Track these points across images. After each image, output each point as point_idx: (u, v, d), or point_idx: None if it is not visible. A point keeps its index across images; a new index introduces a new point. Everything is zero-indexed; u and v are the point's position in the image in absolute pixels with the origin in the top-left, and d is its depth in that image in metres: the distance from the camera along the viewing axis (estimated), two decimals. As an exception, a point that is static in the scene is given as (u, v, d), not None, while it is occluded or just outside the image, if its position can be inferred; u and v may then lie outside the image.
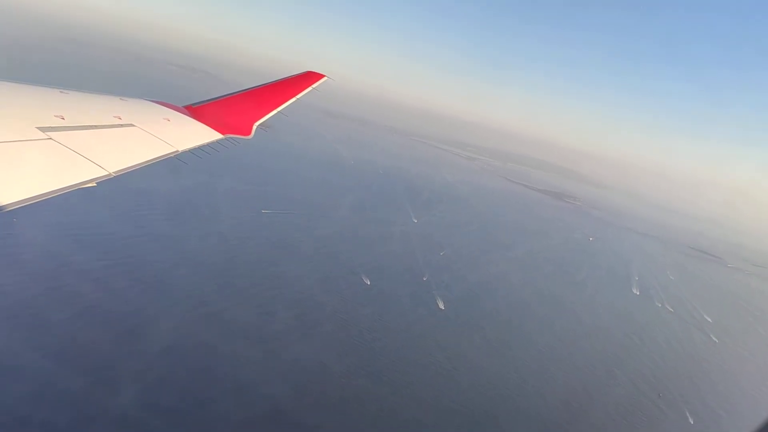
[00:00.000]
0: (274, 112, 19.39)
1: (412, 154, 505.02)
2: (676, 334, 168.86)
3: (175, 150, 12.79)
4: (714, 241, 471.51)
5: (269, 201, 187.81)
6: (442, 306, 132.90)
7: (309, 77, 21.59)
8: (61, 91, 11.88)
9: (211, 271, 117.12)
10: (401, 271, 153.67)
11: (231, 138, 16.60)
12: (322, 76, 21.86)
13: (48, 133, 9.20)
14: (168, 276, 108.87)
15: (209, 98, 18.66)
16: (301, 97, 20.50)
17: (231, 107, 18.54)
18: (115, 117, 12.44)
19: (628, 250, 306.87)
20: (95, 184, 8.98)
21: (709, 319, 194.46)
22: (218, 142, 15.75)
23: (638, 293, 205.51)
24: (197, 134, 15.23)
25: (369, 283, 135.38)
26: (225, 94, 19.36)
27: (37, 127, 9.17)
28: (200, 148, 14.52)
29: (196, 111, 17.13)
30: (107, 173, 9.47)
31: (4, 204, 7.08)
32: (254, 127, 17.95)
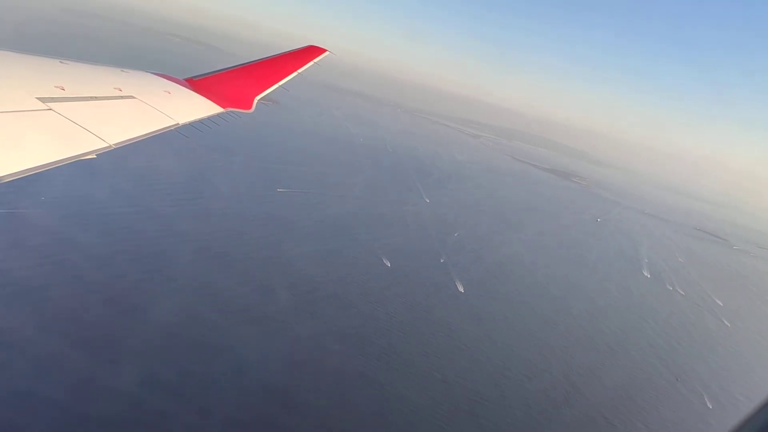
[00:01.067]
0: (276, 86, 19.34)
1: (418, 132, 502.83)
2: (689, 318, 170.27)
3: (175, 123, 12.80)
4: (719, 223, 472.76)
5: (283, 179, 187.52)
6: (461, 289, 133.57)
7: (311, 51, 21.46)
8: (61, 62, 11.78)
9: (234, 253, 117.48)
10: (419, 252, 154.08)
11: (232, 112, 16.61)
12: (324, 50, 21.76)
13: (48, 104, 9.16)
14: (198, 256, 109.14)
15: (210, 71, 18.50)
16: (302, 71, 20.41)
17: (232, 81, 18.48)
18: (115, 89, 12.39)
19: (636, 231, 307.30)
20: (95, 156, 8.97)
21: (720, 303, 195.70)
22: (219, 115, 15.73)
23: (649, 276, 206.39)
24: (198, 107, 15.23)
25: (390, 265, 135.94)
26: (226, 67, 19.22)
27: (37, 98, 9.12)
28: (201, 121, 14.51)
29: (198, 84, 17.04)
30: (107, 145, 9.44)
31: (3, 175, 7.07)
32: (255, 101, 17.97)
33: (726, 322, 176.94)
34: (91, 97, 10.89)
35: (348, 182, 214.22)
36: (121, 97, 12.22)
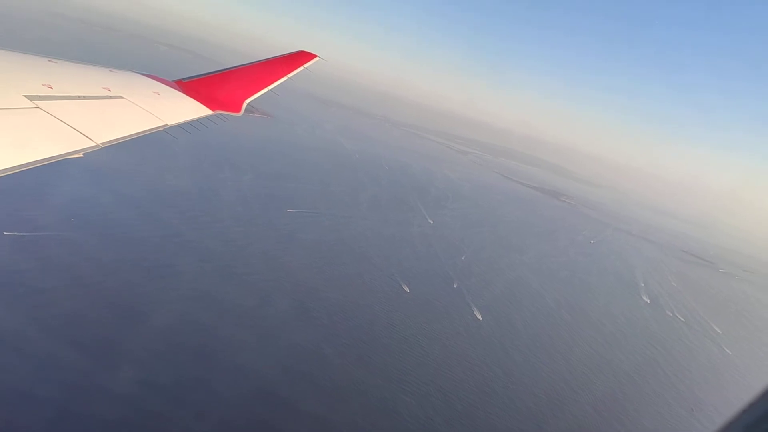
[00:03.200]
0: (265, 90, 19.23)
1: (409, 147, 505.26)
2: (693, 346, 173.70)
3: (164, 124, 12.70)
4: (703, 244, 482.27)
5: (291, 199, 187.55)
6: (479, 316, 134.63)
7: (301, 57, 21.28)
8: (49, 60, 11.76)
9: (260, 279, 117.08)
10: (432, 277, 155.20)
11: (221, 114, 16.55)
12: (314, 56, 21.58)
13: (36, 102, 9.07)
14: (226, 284, 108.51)
15: (200, 74, 18.54)
16: (292, 76, 20.31)
17: (221, 84, 18.41)
18: (104, 88, 12.31)
19: (628, 253, 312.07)
20: (82, 155, 8.91)
21: (719, 330, 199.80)
22: (208, 117, 15.69)
23: (648, 301, 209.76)
24: (187, 109, 15.19)
25: (408, 290, 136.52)
26: (216, 70, 19.21)
27: (25, 96, 9.04)
28: (189, 123, 14.45)
29: (187, 86, 17.07)
30: (95, 144, 9.36)
31: None
32: (244, 105, 17.94)
33: (727, 350, 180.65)
34: (79, 96, 10.83)
35: (353, 201, 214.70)
36: (110, 97, 12.18)
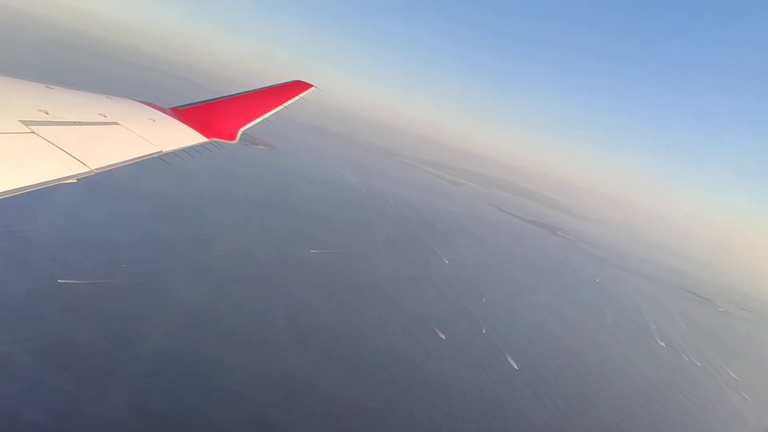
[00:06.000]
0: (260, 118, 19.05)
1: (407, 179, 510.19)
2: (714, 393, 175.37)
3: (159, 150, 12.60)
4: (699, 281, 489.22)
5: (312, 238, 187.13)
6: (515, 366, 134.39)
7: (297, 86, 21.38)
8: (46, 86, 11.71)
9: (299, 323, 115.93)
10: (461, 321, 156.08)
11: (216, 142, 16.39)
12: (310, 85, 21.67)
13: (31, 127, 9.01)
14: (263, 329, 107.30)
15: (196, 102, 18.44)
16: (288, 105, 20.22)
17: (217, 111, 18.28)
18: (100, 114, 12.25)
19: (633, 293, 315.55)
20: (75, 181, 8.85)
21: (735, 376, 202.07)
22: (203, 145, 15.53)
23: (664, 345, 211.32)
24: (182, 136, 15.01)
25: (444, 337, 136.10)
26: (212, 98, 19.09)
27: (20, 121, 9.00)
28: (185, 150, 14.31)
29: (182, 113, 16.92)
30: (89, 170, 9.30)
31: None
32: (239, 133, 17.75)
33: (746, 396, 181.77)
34: (74, 122, 10.77)
35: (370, 241, 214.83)
36: (105, 123, 12.08)
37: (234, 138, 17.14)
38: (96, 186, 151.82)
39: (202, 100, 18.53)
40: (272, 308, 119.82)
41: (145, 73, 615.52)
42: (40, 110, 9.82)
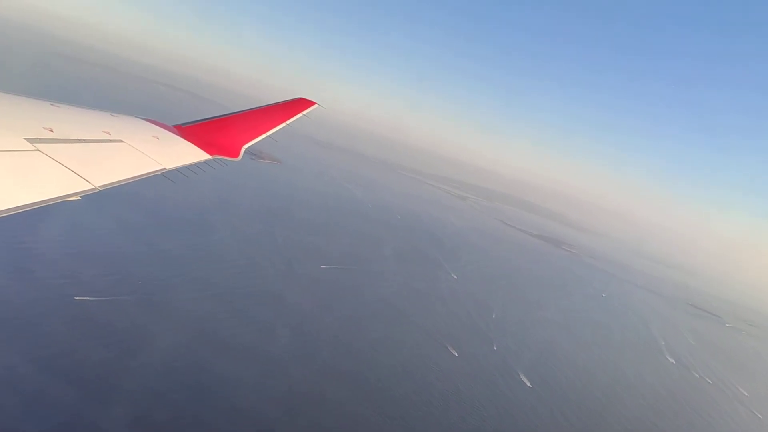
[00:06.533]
0: (263, 136, 19.20)
1: (412, 193, 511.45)
2: (726, 411, 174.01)
3: (162, 168, 12.66)
4: (704, 296, 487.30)
5: (322, 253, 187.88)
6: (528, 383, 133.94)
7: (300, 104, 21.56)
8: (51, 104, 11.80)
9: (319, 341, 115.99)
10: (472, 337, 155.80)
11: (219, 159, 16.56)
12: (313, 103, 21.86)
13: (36, 145, 9.06)
14: (275, 344, 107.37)
15: (199, 119, 18.52)
16: (291, 122, 20.37)
17: (220, 129, 18.35)
18: (104, 132, 12.33)
19: (640, 308, 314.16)
20: (80, 198, 8.90)
21: (746, 393, 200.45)
22: (206, 162, 15.67)
23: (674, 362, 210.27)
24: (185, 153, 15.10)
25: (457, 354, 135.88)
26: (215, 116, 19.13)
27: (25, 138, 9.03)
28: (188, 167, 14.38)
29: (186, 131, 17.02)
30: (93, 187, 9.35)
31: None
32: (242, 150, 17.84)
33: (758, 414, 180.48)
34: (79, 140, 10.83)
35: (378, 256, 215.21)
36: (110, 141, 12.15)
37: (237, 155, 17.31)
38: (106, 200, 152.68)
39: (206, 117, 18.71)
40: (284, 324, 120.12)
41: (150, 86, 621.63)
42: (44, 128, 9.95)
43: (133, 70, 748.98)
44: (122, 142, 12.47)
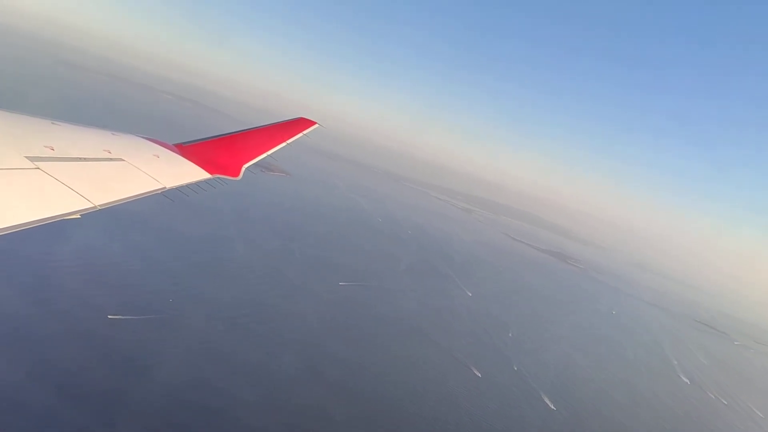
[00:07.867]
0: (264, 155, 19.27)
1: (419, 206, 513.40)
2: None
3: (162, 187, 12.68)
4: (711, 313, 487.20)
5: (339, 269, 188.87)
6: (552, 406, 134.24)
7: (300, 123, 21.76)
8: (53, 122, 11.82)
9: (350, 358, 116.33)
10: (492, 357, 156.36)
11: (220, 178, 16.57)
12: (313, 123, 22.08)
13: (36, 163, 9.10)
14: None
15: (200, 138, 18.54)
16: (291, 142, 20.46)
17: (221, 148, 18.40)
18: (105, 151, 12.36)
19: (650, 325, 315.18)
20: (80, 216, 8.92)
21: (760, 414, 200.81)
22: (206, 181, 15.69)
23: (688, 382, 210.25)
24: (186, 172, 15.16)
25: (480, 375, 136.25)
26: (215, 135, 19.18)
27: (26, 157, 9.09)
28: (188, 186, 14.41)
29: (186, 150, 17.05)
30: (92, 206, 9.35)
31: None
32: (243, 169, 17.85)
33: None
34: (79, 158, 10.84)
35: (393, 272, 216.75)
36: (110, 159, 12.17)
37: (237, 174, 17.37)
38: (120, 217, 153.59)
39: (206, 136, 18.84)
40: (311, 342, 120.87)
41: (156, 96, 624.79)
42: (45, 146, 10.05)
43: (138, 79, 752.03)
44: (123, 160, 12.59)
